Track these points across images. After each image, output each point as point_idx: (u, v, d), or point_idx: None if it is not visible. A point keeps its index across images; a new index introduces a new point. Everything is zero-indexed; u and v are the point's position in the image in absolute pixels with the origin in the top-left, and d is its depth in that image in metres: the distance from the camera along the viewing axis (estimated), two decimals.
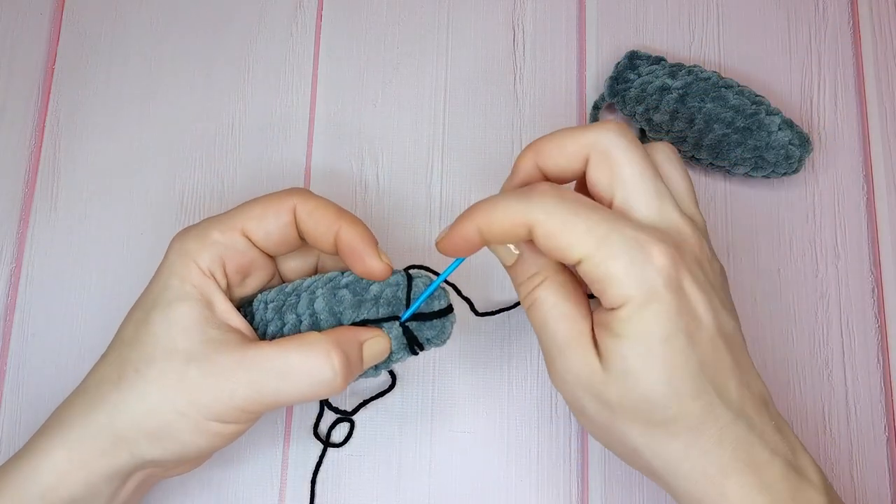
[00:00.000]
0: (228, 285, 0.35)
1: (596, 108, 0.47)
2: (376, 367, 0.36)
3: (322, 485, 0.42)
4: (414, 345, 0.36)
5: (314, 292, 0.35)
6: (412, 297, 0.35)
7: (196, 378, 0.32)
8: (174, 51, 0.49)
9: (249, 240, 0.35)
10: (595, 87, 0.48)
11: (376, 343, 0.35)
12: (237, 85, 0.48)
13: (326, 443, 0.42)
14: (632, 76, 0.46)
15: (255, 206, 0.35)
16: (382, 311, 0.35)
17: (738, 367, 0.31)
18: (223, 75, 0.48)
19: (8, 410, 0.44)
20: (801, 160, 0.44)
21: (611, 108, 0.47)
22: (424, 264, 0.40)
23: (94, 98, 0.48)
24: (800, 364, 0.44)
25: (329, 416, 0.43)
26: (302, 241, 0.36)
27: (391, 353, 0.36)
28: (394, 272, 0.35)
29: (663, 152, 0.33)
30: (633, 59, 0.46)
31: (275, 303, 0.36)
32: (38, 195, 0.47)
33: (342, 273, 0.36)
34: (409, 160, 0.47)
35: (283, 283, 0.38)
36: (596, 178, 0.32)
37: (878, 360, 0.44)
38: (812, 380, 0.44)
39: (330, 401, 0.43)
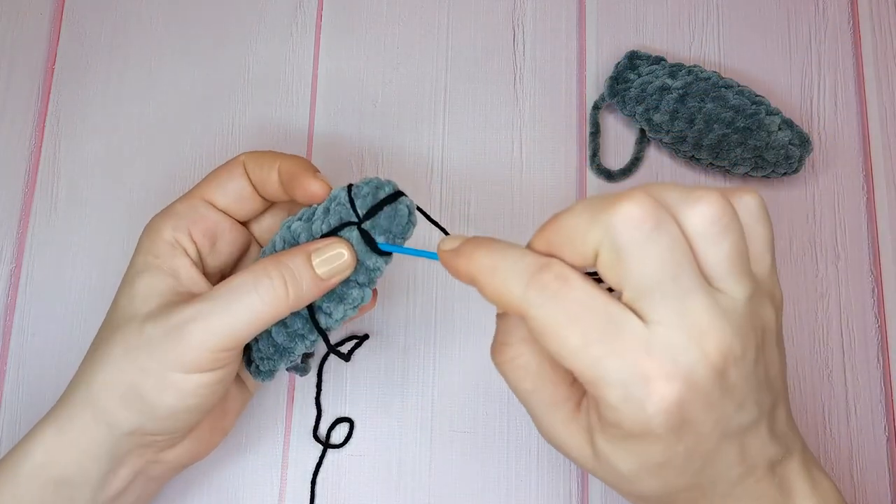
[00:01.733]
0: (200, 254, 0.36)
1: (596, 108, 0.47)
2: (360, 286, 0.34)
3: (322, 485, 0.42)
4: (373, 243, 0.33)
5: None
6: (358, 202, 0.33)
7: (152, 332, 0.32)
8: (174, 51, 0.49)
9: (211, 204, 0.36)
10: (595, 87, 0.48)
11: (329, 249, 0.33)
12: (237, 85, 0.48)
13: (326, 444, 0.42)
14: (632, 76, 0.46)
15: (210, 174, 0.37)
16: (333, 223, 0.34)
17: (743, 452, 0.29)
18: (223, 75, 0.48)
19: (8, 410, 0.44)
20: (801, 160, 0.44)
21: (611, 108, 0.47)
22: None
23: (94, 98, 0.48)
24: (800, 364, 0.44)
25: (328, 417, 0.43)
26: (264, 201, 0.37)
27: (361, 262, 0.34)
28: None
29: (747, 205, 0.28)
30: (633, 59, 0.46)
31: None
32: (38, 195, 0.47)
33: (287, 225, 0.36)
34: (409, 160, 0.47)
35: (260, 246, 0.39)
36: (607, 276, 0.27)
37: (878, 360, 0.44)
38: (812, 380, 0.44)
39: (320, 398, 0.43)
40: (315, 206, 0.35)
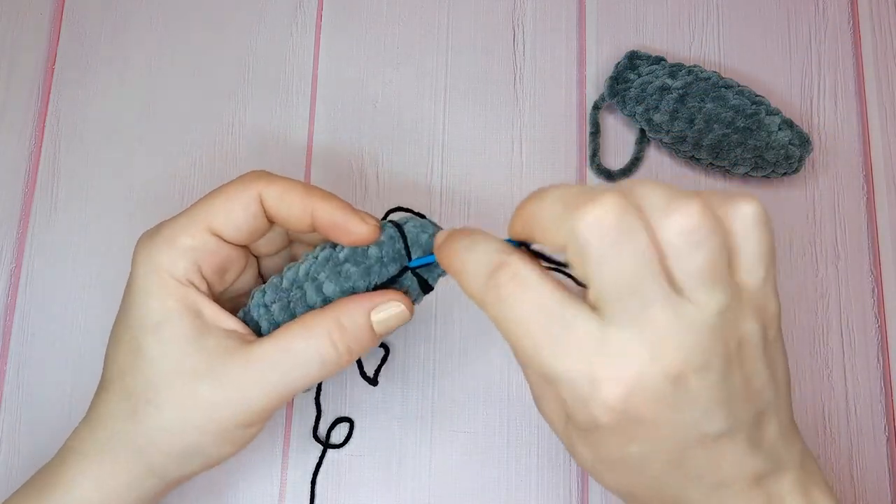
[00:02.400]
0: (209, 287, 0.34)
1: (596, 108, 0.47)
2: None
3: (322, 485, 0.42)
4: (427, 284, 0.34)
5: (316, 278, 0.34)
6: (409, 241, 0.34)
7: (208, 394, 0.32)
8: (174, 51, 0.49)
9: (220, 237, 0.34)
10: (595, 87, 0.48)
11: (391, 307, 0.33)
12: (237, 85, 0.48)
13: (326, 444, 0.42)
14: (632, 76, 0.46)
15: (217, 200, 0.34)
16: (392, 270, 0.34)
17: (714, 463, 0.28)
18: (223, 75, 0.48)
19: (8, 410, 0.44)
20: (801, 160, 0.44)
21: (611, 108, 0.47)
22: (404, 208, 0.37)
23: (94, 98, 0.48)
24: (800, 364, 0.44)
25: (328, 417, 0.43)
26: (271, 224, 0.35)
27: (414, 300, 0.34)
28: (382, 227, 0.34)
29: (743, 214, 0.27)
30: (633, 59, 0.46)
31: (279, 302, 0.34)
32: (38, 195, 0.47)
33: (334, 248, 0.34)
34: (409, 160, 0.47)
35: (258, 262, 0.38)
36: (573, 271, 0.27)
37: (878, 360, 0.44)
38: (812, 380, 0.44)
39: (319, 398, 0.43)
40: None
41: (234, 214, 0.33)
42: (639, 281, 0.26)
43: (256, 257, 0.38)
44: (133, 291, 0.33)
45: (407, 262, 0.33)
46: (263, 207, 0.34)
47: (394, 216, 0.35)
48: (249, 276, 0.38)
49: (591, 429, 0.27)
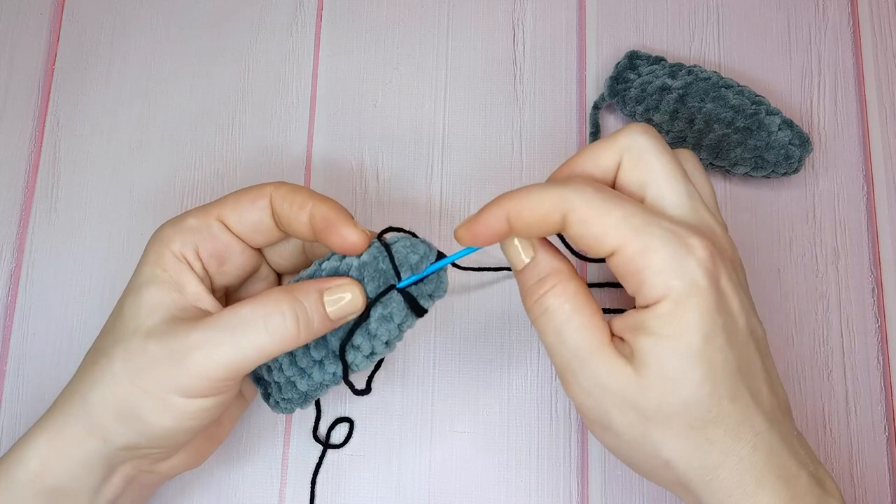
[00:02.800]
0: (206, 271, 0.35)
1: (596, 108, 0.47)
2: (387, 344, 0.35)
3: (322, 485, 0.42)
4: (417, 306, 0.34)
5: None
6: (397, 260, 0.34)
7: (155, 352, 0.32)
8: (174, 51, 0.49)
9: (224, 225, 0.35)
10: (595, 87, 0.48)
11: (340, 290, 0.33)
12: (237, 85, 0.48)
13: (326, 444, 0.42)
14: (632, 76, 0.46)
15: (232, 195, 0.36)
16: (372, 287, 0.34)
17: (767, 372, 0.31)
18: (223, 75, 0.48)
19: (8, 410, 0.44)
20: (801, 160, 0.44)
21: (611, 108, 0.47)
22: (396, 228, 0.37)
23: (94, 98, 0.48)
24: (800, 364, 0.44)
25: (328, 417, 0.43)
26: (281, 233, 0.36)
27: (401, 322, 0.34)
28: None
29: (689, 161, 0.33)
30: (633, 59, 0.46)
31: None
32: (38, 195, 0.47)
33: (319, 265, 0.35)
34: (409, 160, 0.47)
35: (279, 279, 0.38)
36: (628, 180, 0.31)
37: (878, 360, 0.44)
38: (812, 380, 0.44)
39: (319, 398, 0.43)
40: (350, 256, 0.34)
41: (241, 206, 0.35)
42: (684, 173, 0.32)
43: (279, 274, 0.39)
44: (139, 263, 0.35)
45: (395, 282, 0.34)
46: (271, 206, 0.35)
47: (390, 238, 0.35)
48: (266, 286, 0.39)
49: (686, 294, 0.29)
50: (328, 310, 0.33)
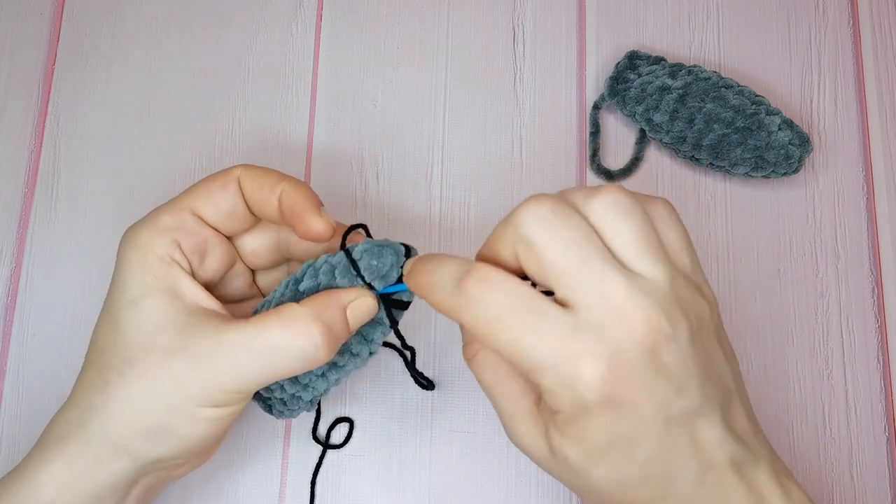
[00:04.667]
0: (191, 268, 0.34)
1: (596, 108, 0.47)
2: (357, 355, 0.35)
3: (322, 485, 0.42)
4: (392, 311, 0.34)
5: (281, 301, 0.34)
6: (359, 261, 0.33)
7: (179, 369, 0.31)
8: (174, 51, 0.49)
9: (200, 218, 0.34)
10: (595, 87, 0.48)
11: (362, 303, 0.33)
12: (237, 85, 0.48)
13: (326, 444, 0.42)
14: (632, 76, 0.46)
15: (200, 184, 0.35)
16: (345, 283, 0.33)
17: (697, 444, 0.29)
18: (223, 75, 0.48)
19: (8, 410, 0.44)
20: (801, 160, 0.44)
21: (611, 108, 0.47)
22: (365, 226, 0.37)
23: (94, 98, 0.48)
24: (800, 364, 0.44)
25: (328, 417, 0.43)
26: (254, 218, 0.36)
27: (373, 333, 0.34)
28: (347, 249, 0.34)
29: (658, 212, 0.30)
30: (633, 59, 0.46)
31: None
32: (38, 195, 0.47)
33: (297, 274, 0.35)
34: (409, 160, 0.47)
35: (253, 275, 0.38)
36: (530, 273, 0.29)
37: (878, 360, 0.44)
38: (812, 380, 0.44)
39: (321, 401, 0.43)
40: (318, 262, 0.34)
41: (212, 194, 0.34)
42: (586, 254, 0.28)
43: (253, 271, 0.38)
44: (117, 272, 0.34)
45: (355, 281, 0.33)
46: (242, 189, 0.35)
47: (350, 245, 0.34)
48: (242, 283, 0.38)
49: (579, 414, 0.28)
50: (351, 325, 0.33)
